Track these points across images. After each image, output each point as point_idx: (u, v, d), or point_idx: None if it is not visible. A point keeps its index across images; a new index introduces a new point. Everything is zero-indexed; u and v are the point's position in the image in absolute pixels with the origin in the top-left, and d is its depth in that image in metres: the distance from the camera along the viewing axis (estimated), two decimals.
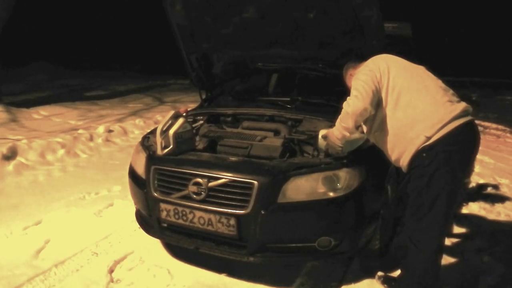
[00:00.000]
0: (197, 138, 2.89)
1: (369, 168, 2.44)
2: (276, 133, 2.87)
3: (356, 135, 2.33)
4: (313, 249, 2.35)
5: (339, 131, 2.21)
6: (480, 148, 2.20)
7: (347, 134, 2.20)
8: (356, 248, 2.48)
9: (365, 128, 2.34)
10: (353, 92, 2.14)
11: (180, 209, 2.43)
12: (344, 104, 2.16)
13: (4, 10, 7.64)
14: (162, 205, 2.49)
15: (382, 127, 2.20)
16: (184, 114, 2.91)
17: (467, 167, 2.25)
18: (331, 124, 2.31)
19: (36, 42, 16.68)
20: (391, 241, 2.86)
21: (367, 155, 2.47)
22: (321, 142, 2.44)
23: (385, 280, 2.48)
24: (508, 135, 7.05)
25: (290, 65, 3.44)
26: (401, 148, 2.14)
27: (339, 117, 2.20)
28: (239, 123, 3.15)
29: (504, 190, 4.18)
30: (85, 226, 3.24)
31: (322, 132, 2.42)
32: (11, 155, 4.59)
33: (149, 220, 2.69)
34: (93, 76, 13.38)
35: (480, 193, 4.09)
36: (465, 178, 3.90)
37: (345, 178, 2.34)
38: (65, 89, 10.76)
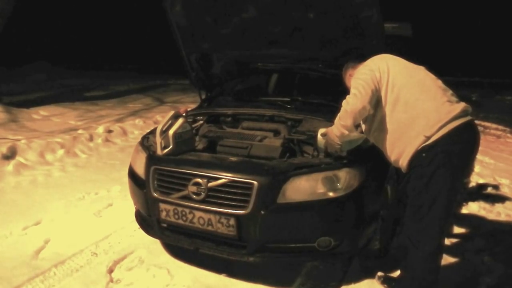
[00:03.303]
0: (197, 138, 2.88)
1: (369, 168, 2.44)
2: (276, 133, 2.87)
3: (355, 134, 2.33)
4: (313, 249, 2.35)
5: (338, 129, 2.21)
6: (480, 148, 2.19)
7: (346, 132, 2.20)
8: (356, 249, 2.48)
9: (364, 128, 2.34)
10: (352, 90, 2.14)
11: (179, 209, 2.43)
12: (343, 103, 2.16)
13: (7, 3, 7.47)
14: (162, 205, 2.49)
15: (381, 127, 2.20)
16: (184, 114, 2.91)
17: (467, 167, 2.25)
18: (331, 124, 2.31)
19: (36, 42, 16.69)
20: (391, 242, 2.86)
21: (367, 155, 2.46)
22: (320, 140, 2.44)
23: (385, 280, 2.48)
24: (508, 135, 7.06)
25: (290, 65, 3.44)
26: (400, 148, 2.14)
27: (338, 115, 2.20)
28: (239, 123, 3.15)
29: (504, 190, 4.18)
30: (84, 226, 3.24)
31: (321, 131, 2.43)
32: (10, 155, 4.59)
33: (148, 220, 2.68)
34: (93, 76, 13.36)
35: (480, 193, 4.09)
36: (465, 178, 3.92)
37: (345, 178, 2.34)
38: (65, 89, 10.74)
